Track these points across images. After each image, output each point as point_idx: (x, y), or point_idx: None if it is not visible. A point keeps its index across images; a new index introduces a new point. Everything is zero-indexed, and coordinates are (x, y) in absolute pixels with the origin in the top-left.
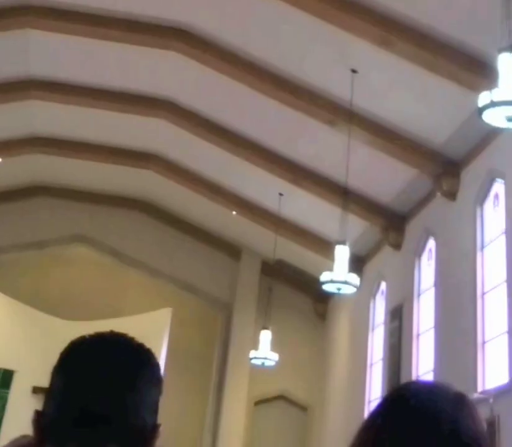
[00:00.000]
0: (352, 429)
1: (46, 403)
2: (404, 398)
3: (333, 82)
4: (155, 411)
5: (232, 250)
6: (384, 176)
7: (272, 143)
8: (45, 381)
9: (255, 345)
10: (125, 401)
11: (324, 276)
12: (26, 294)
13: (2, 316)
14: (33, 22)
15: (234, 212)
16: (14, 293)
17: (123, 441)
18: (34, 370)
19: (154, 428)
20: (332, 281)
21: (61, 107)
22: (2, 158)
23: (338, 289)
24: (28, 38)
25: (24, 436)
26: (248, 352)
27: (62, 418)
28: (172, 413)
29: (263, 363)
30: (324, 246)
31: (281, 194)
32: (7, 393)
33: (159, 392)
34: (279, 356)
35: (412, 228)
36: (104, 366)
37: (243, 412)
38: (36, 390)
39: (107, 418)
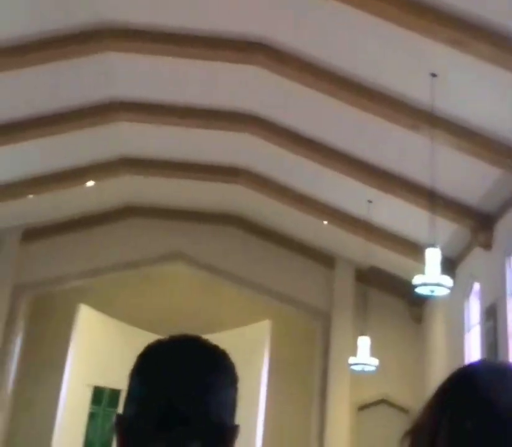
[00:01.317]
0: None
1: (125, 407)
2: (472, 380)
3: (414, 87)
4: (233, 410)
5: (325, 259)
6: (469, 177)
7: (357, 151)
8: None
9: (354, 351)
10: (203, 401)
11: (417, 279)
12: (125, 313)
13: (104, 337)
14: (113, 44)
15: (325, 222)
16: (113, 313)
17: (204, 439)
18: None
19: (233, 427)
20: (425, 284)
21: (148, 127)
22: (94, 181)
23: (432, 292)
24: (109, 61)
25: None
26: (348, 359)
27: (143, 419)
28: (278, 422)
29: (363, 369)
30: (415, 250)
31: (370, 201)
32: (114, 411)
33: (235, 391)
34: (379, 360)
35: (501, 227)
36: (181, 367)
37: (347, 418)
38: None
39: (187, 418)
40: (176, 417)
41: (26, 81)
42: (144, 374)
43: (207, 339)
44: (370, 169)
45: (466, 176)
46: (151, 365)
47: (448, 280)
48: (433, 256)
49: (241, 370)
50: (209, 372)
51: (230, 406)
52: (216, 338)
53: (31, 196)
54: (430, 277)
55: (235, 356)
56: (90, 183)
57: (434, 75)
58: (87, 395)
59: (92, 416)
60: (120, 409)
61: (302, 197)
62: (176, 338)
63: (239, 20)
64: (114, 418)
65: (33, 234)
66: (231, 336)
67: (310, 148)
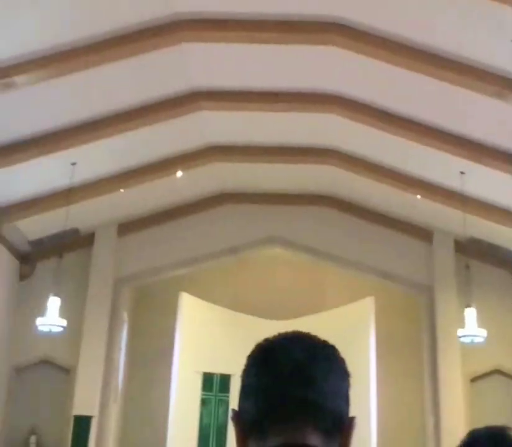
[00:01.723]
0: None
1: (241, 402)
2: None
3: (495, 55)
4: (348, 403)
5: (422, 233)
6: None
7: (444, 123)
8: None
9: (461, 323)
10: (320, 393)
11: None
12: (227, 299)
13: (209, 323)
14: (188, 35)
15: (419, 196)
16: (216, 300)
17: (323, 429)
18: None
19: (350, 418)
20: None
21: (231, 114)
22: (182, 170)
23: None
24: (186, 52)
25: None
26: (456, 331)
27: (260, 413)
28: (391, 399)
29: (472, 340)
30: None
31: (462, 172)
32: (228, 396)
33: (348, 385)
34: (487, 331)
35: None
36: (294, 362)
37: (460, 390)
38: None
39: (304, 410)
40: (293, 410)
41: (107, 77)
42: (257, 371)
43: (316, 335)
44: (459, 140)
45: None
46: (264, 361)
47: None
48: None
49: (349, 348)
50: (323, 366)
51: (346, 399)
52: (321, 318)
53: (122, 190)
54: None
55: (342, 334)
56: (179, 173)
57: None
58: (198, 381)
59: (204, 402)
60: (232, 393)
61: (393, 172)
62: (284, 334)
63: (312, 1)
64: (230, 413)
65: (128, 227)
66: (336, 315)
67: (396, 124)
